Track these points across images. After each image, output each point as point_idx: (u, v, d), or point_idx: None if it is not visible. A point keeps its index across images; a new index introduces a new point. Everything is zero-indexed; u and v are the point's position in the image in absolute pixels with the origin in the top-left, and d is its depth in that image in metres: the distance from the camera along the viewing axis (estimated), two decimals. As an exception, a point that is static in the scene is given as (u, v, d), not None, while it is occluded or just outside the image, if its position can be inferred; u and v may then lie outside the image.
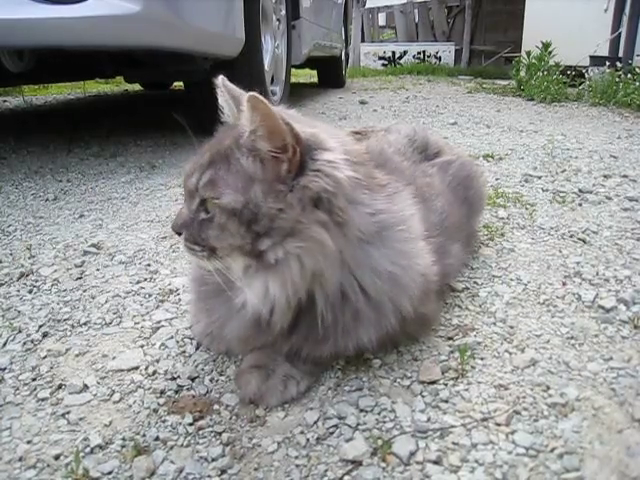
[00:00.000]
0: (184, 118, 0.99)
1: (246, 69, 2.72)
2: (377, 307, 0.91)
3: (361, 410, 0.89)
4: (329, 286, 0.87)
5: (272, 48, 3.16)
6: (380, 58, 9.91)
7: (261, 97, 0.77)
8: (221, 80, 0.94)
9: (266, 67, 2.98)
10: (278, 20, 3.30)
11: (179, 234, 0.90)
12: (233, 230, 0.83)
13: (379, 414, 0.88)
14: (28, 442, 0.84)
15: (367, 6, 10.91)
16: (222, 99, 0.96)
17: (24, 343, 1.11)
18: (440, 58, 9.57)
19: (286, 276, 0.84)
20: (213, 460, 0.80)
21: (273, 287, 0.85)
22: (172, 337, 1.12)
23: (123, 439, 0.84)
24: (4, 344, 1.11)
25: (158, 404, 0.92)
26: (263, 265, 0.85)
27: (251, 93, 0.77)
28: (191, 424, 0.87)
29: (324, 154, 0.84)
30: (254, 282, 0.87)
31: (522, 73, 5.50)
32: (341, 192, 0.84)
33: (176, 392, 0.95)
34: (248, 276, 0.88)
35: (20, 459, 0.81)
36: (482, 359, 1.02)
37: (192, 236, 0.88)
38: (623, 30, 5.32)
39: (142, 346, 1.09)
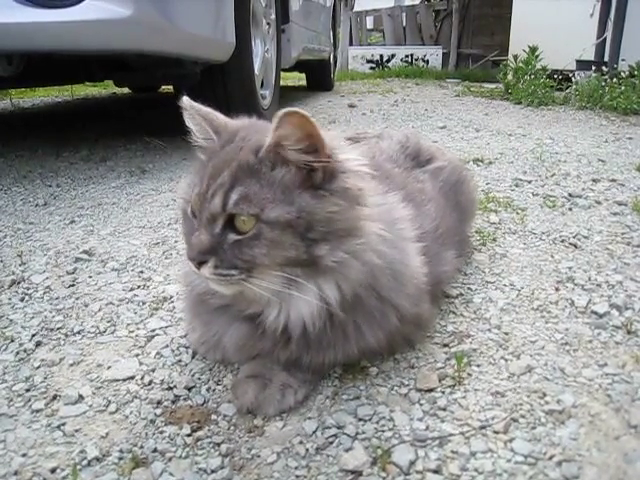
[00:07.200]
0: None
1: (236, 73, 2.71)
2: (384, 306, 0.91)
3: (360, 419, 0.89)
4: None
5: (262, 52, 3.15)
6: (368, 61, 9.92)
7: (300, 110, 0.77)
8: (187, 102, 0.90)
9: (256, 71, 2.97)
10: (268, 24, 3.30)
11: (202, 264, 0.82)
12: (288, 242, 0.80)
13: (378, 423, 0.88)
14: (23, 455, 0.83)
15: (355, 9, 10.93)
16: (192, 121, 0.92)
17: (17, 353, 1.09)
18: (428, 61, 9.61)
19: (347, 275, 0.84)
20: (213, 472, 0.79)
21: (329, 289, 0.85)
22: (167, 346, 1.11)
23: (120, 451, 0.83)
24: (-4, 354, 1.09)
25: (155, 415, 0.91)
26: (315, 271, 0.83)
27: (290, 109, 0.76)
28: (189, 435, 0.86)
29: (344, 154, 0.86)
30: (303, 291, 0.84)
31: (509, 77, 5.54)
32: (368, 187, 0.88)
33: (173, 402, 0.94)
34: (292, 287, 0.84)
35: (15, 473, 0.79)
36: (478, 366, 1.03)
37: (227, 261, 0.81)
38: (608, 35, 5.38)
39: (137, 355, 1.08)
